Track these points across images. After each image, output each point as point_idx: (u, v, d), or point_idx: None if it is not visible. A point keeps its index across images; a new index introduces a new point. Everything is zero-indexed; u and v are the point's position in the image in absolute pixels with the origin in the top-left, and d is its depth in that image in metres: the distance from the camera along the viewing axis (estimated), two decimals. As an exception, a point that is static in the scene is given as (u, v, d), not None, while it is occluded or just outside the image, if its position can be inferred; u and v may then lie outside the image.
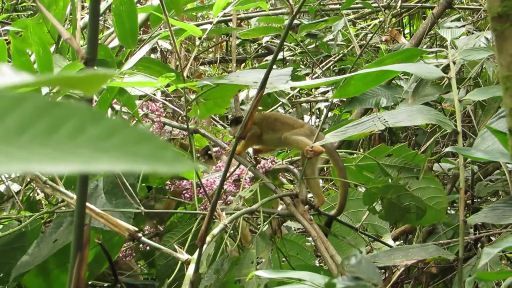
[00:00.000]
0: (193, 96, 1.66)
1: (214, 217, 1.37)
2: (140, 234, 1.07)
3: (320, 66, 2.56)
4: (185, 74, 1.38)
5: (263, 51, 3.13)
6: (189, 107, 1.60)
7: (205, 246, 1.12)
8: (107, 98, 1.33)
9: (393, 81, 1.96)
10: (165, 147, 0.34)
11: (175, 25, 1.50)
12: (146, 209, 1.59)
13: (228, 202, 1.65)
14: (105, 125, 0.35)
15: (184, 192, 1.68)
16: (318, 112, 2.77)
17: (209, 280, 1.41)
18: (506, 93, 0.52)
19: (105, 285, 1.75)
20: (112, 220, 1.06)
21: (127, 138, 0.34)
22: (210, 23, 1.67)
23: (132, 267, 1.77)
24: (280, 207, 1.75)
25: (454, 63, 1.37)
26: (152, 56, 3.21)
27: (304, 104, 2.77)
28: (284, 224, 2.31)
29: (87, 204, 1.07)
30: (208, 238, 1.17)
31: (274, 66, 2.29)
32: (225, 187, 1.65)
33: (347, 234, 1.73)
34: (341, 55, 2.56)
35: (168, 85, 1.47)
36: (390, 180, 1.60)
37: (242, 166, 1.68)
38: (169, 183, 1.71)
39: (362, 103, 1.86)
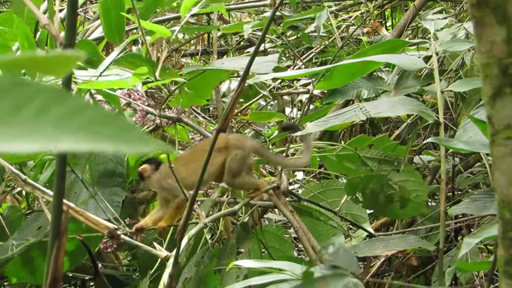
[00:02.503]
0: (175, 86, 1.64)
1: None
2: (119, 232, 1.05)
3: (302, 58, 2.55)
4: (159, 67, 1.37)
5: (245, 43, 3.12)
6: (171, 96, 1.58)
7: (184, 242, 1.11)
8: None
9: (374, 73, 1.95)
10: (130, 128, 0.34)
11: (146, 27, 1.49)
12: (128, 200, 1.58)
13: (210, 194, 1.64)
14: (70, 105, 0.34)
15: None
16: (300, 105, 2.75)
17: (190, 272, 1.40)
18: (486, 80, 0.51)
19: (86, 277, 1.74)
20: (91, 218, 1.05)
21: (92, 118, 0.34)
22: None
23: (114, 258, 1.76)
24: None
25: (437, 54, 1.36)
26: (134, 48, 3.19)
27: (285, 97, 2.75)
28: (264, 216, 2.30)
29: (66, 202, 1.05)
30: (186, 239, 1.16)
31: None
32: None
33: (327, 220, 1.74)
34: (322, 46, 2.55)
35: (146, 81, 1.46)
36: (371, 171, 1.60)
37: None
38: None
39: (343, 95, 1.85)
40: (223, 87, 2.95)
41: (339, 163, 1.72)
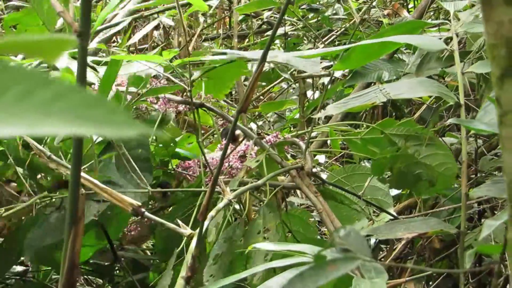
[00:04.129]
0: (197, 73, 1.67)
1: (218, 193, 1.40)
2: (143, 209, 1.08)
3: (323, 40, 2.57)
4: (190, 48, 1.40)
5: (266, 27, 3.14)
6: (193, 84, 1.61)
7: (207, 221, 1.14)
8: (111, 75, 1.35)
9: (395, 55, 1.97)
10: (115, 111, 0.34)
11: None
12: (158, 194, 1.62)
13: (234, 176, 1.67)
14: (55, 89, 0.35)
15: (185, 170, 1.70)
16: (322, 87, 2.78)
17: (220, 248, 1.42)
18: (494, 62, 0.53)
19: (106, 263, 1.78)
20: (116, 195, 1.08)
21: (77, 101, 0.34)
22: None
23: (137, 242, 1.80)
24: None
25: (457, 35, 1.38)
26: (155, 33, 3.23)
27: (308, 79, 2.78)
28: (287, 199, 2.33)
29: (90, 178, 1.09)
30: (213, 213, 1.19)
31: (277, 42, 2.28)
32: (230, 163, 1.67)
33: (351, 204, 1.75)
34: (343, 29, 2.57)
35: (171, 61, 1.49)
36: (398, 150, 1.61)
37: (247, 143, 1.70)
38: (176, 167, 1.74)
39: (363, 77, 1.87)
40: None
41: (364, 146, 1.73)
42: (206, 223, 1.13)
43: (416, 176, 1.56)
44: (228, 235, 1.41)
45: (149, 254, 1.89)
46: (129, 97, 1.51)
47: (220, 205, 1.21)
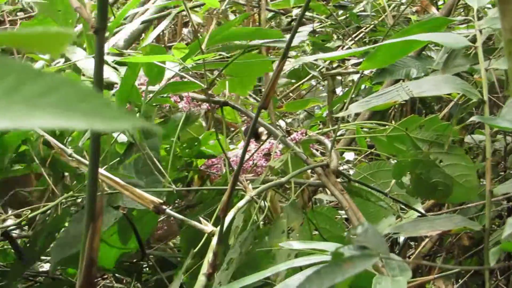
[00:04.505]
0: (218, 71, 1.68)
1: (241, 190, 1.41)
2: (165, 207, 1.09)
3: (351, 37, 2.57)
4: (205, 40, 1.40)
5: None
6: (215, 82, 1.62)
7: (229, 217, 1.15)
8: (130, 76, 1.36)
9: (423, 52, 1.97)
10: (107, 105, 0.34)
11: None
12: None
13: (259, 174, 1.67)
14: (44, 82, 0.34)
15: (209, 168, 1.71)
16: (351, 85, 2.77)
17: (235, 252, 1.43)
18: (510, 58, 0.53)
19: (134, 260, 1.80)
20: (137, 192, 1.09)
21: (67, 95, 0.34)
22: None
23: (163, 240, 1.81)
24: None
25: (481, 32, 1.37)
26: (184, 30, 3.24)
27: (338, 77, 2.78)
28: (315, 197, 2.33)
29: (111, 175, 1.10)
30: (235, 210, 1.19)
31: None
32: (255, 161, 1.68)
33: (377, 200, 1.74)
34: (372, 25, 2.57)
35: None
36: (420, 154, 1.60)
37: (272, 141, 1.70)
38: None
39: (391, 74, 1.87)
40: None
41: (389, 144, 1.73)
42: (227, 220, 1.14)
43: (433, 185, 1.55)
44: (243, 238, 1.42)
45: (177, 252, 1.91)
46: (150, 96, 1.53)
47: (241, 202, 1.21)
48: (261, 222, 2.13)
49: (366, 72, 2.30)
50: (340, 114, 1.39)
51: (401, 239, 2.18)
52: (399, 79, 1.98)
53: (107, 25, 0.68)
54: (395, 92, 1.23)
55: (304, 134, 1.68)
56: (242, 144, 1.77)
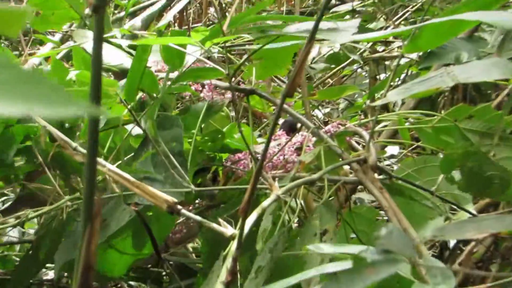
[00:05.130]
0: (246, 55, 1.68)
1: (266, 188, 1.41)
2: (180, 207, 1.09)
3: (396, 17, 2.55)
4: (224, 28, 1.40)
5: (335, 1, 3.13)
6: (242, 67, 1.62)
7: (252, 219, 1.15)
8: (140, 60, 1.37)
9: (475, 33, 1.95)
10: (54, 88, 0.34)
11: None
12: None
13: (290, 170, 1.67)
14: None
15: (235, 164, 1.71)
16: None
17: (264, 259, 1.42)
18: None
19: (149, 266, 1.81)
20: (148, 191, 1.09)
21: (9, 78, 0.34)
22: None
23: (181, 244, 1.82)
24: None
25: (537, 10, 1.35)
26: (211, 9, 3.25)
27: (387, 62, 2.77)
28: (355, 196, 2.33)
29: (119, 171, 1.11)
30: (258, 210, 1.19)
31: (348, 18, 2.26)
32: (285, 156, 1.67)
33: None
34: (419, 3, 2.55)
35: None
36: (470, 147, 1.58)
37: (304, 133, 1.70)
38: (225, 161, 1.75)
39: (440, 58, 1.85)
40: (313, 51, 2.97)
41: (436, 137, 1.71)
42: (250, 222, 1.14)
43: (487, 179, 1.53)
44: (273, 243, 1.41)
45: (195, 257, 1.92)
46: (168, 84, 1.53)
47: (266, 202, 1.21)
48: (295, 225, 2.13)
49: (413, 56, 2.29)
50: (377, 103, 1.37)
51: (451, 243, 2.17)
52: (448, 64, 1.96)
53: (106, 2, 0.68)
54: (438, 78, 1.21)
55: (340, 126, 1.68)
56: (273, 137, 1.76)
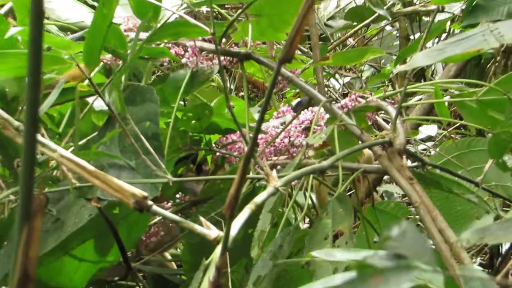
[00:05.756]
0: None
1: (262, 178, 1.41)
2: (150, 202, 1.09)
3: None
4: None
5: None
6: (234, 25, 1.62)
7: (243, 218, 1.15)
8: (106, 10, 1.36)
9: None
10: None
11: None
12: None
13: (295, 154, 1.67)
14: None
15: (227, 148, 1.71)
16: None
17: (264, 267, 1.42)
18: None
19: (115, 279, 1.80)
20: (112, 182, 1.09)
21: None
22: None
23: (158, 251, 1.83)
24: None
25: None
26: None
27: (426, 18, 2.76)
28: (381, 189, 2.33)
29: (75, 157, 1.11)
30: (251, 206, 1.19)
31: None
32: (291, 138, 1.67)
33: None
34: None
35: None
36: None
37: (314, 108, 1.69)
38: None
39: (487, 13, 1.85)
40: (330, 4, 2.98)
41: (482, 112, 1.71)
42: (240, 221, 1.14)
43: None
44: (275, 247, 1.41)
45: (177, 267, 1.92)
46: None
47: (260, 196, 1.20)
48: (305, 225, 2.15)
49: (457, 11, 2.29)
50: (400, 68, 1.36)
51: (504, 247, 2.17)
52: (498, 20, 1.96)
53: None
54: (480, 37, 1.21)
55: (359, 99, 1.68)
56: (275, 114, 1.76)
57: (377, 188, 2.29)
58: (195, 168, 1.77)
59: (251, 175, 1.55)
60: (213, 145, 1.74)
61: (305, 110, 1.70)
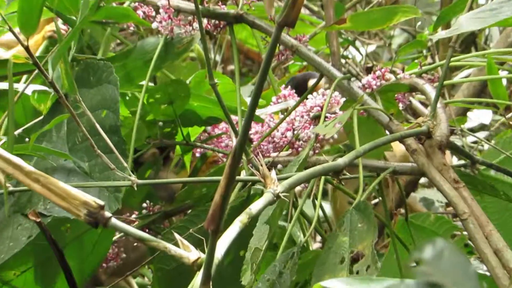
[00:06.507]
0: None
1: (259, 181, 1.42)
2: (108, 214, 1.10)
3: None
4: None
5: None
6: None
7: (232, 235, 1.16)
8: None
9: None
10: None
11: None
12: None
13: (300, 150, 1.67)
14: None
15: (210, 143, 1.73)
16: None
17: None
18: None
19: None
20: (56, 187, 1.10)
21: None
22: None
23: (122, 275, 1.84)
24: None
25: None
26: None
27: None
28: (418, 195, 2.35)
29: (6, 154, 1.12)
30: (242, 218, 1.20)
31: None
32: (296, 129, 1.67)
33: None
34: None
35: None
36: None
37: (325, 91, 1.70)
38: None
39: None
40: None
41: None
42: (228, 239, 1.15)
43: None
44: (274, 274, 1.42)
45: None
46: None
47: (256, 205, 1.21)
48: (316, 245, 2.17)
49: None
50: (444, 34, 1.37)
51: None
52: None
53: None
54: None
55: (384, 77, 1.68)
56: (274, 98, 1.77)
57: (412, 195, 2.29)
58: (162, 158, 1.78)
59: (242, 176, 1.56)
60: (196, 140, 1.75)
61: (314, 93, 1.70)
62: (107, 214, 1.11)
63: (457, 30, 1.28)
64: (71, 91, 1.44)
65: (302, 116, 1.67)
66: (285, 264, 1.45)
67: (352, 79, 1.64)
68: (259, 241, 1.39)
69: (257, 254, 1.40)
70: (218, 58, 3.23)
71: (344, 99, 1.65)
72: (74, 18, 1.56)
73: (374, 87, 1.66)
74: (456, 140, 2.20)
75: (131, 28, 1.71)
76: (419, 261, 0.79)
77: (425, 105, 1.82)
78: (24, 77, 1.67)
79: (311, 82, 1.72)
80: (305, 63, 2.66)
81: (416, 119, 1.68)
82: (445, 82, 1.58)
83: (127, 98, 1.70)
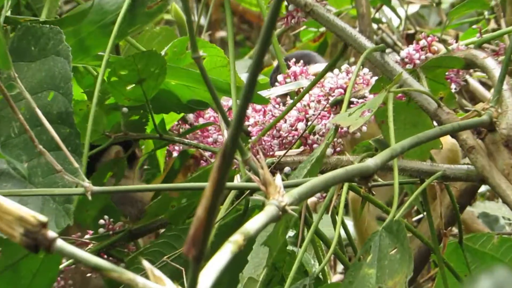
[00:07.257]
0: None
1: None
2: (53, 234, 1.10)
3: None
4: None
5: None
6: None
7: (221, 262, 1.16)
8: None
9: None
10: None
11: None
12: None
13: (315, 146, 1.67)
14: None
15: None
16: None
17: None
18: None
19: None
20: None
21: None
22: None
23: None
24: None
25: None
26: None
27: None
28: (476, 210, 2.35)
29: None
30: (234, 241, 1.20)
31: None
32: (309, 118, 1.68)
33: None
34: None
35: None
36: None
37: (352, 67, 1.70)
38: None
39: None
40: None
41: None
42: (215, 269, 1.15)
43: None
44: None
45: None
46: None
47: (254, 222, 1.21)
48: (337, 277, 2.20)
49: None
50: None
51: None
52: None
53: None
54: None
55: (435, 46, 1.69)
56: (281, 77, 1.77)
57: (468, 209, 2.29)
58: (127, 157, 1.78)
59: (236, 183, 1.56)
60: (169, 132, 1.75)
61: (335, 70, 1.70)
62: (52, 234, 1.11)
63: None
64: (3, 65, 1.43)
65: (319, 102, 1.67)
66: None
67: (387, 50, 1.64)
68: (255, 269, 1.39)
69: (252, 286, 1.40)
70: (203, 21, 3.23)
71: (375, 78, 1.66)
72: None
73: (417, 61, 1.66)
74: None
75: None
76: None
77: (487, 87, 1.83)
78: None
79: (313, 70, 1.71)
80: (322, 29, 2.67)
81: (475, 105, 1.68)
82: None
83: (80, 74, 1.70)
